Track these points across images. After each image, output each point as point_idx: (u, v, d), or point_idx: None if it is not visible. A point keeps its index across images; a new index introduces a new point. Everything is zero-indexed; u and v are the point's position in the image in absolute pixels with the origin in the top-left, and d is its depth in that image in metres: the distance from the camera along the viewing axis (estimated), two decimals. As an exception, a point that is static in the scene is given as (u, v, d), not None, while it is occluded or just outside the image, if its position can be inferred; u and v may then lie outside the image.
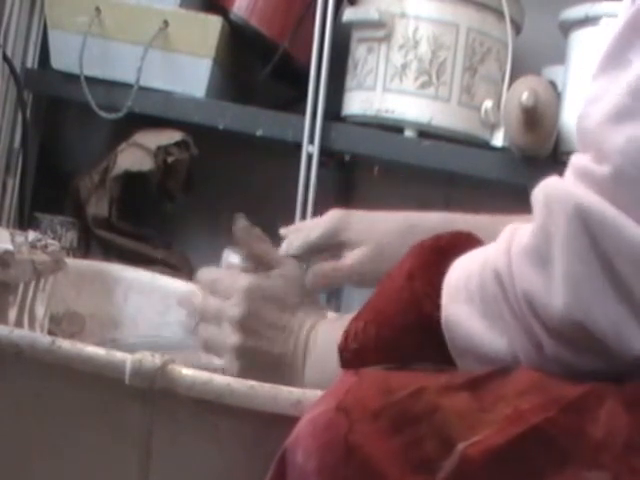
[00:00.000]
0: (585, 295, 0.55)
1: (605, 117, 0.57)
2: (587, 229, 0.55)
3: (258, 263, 0.86)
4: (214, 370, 0.82)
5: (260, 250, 0.87)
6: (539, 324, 0.57)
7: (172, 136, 1.68)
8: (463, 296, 0.62)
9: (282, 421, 0.64)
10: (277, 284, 0.83)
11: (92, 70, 1.66)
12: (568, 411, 0.54)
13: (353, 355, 0.67)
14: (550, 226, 0.56)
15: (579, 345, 0.56)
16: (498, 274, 0.59)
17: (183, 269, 1.71)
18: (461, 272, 0.63)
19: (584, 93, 0.61)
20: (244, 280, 0.83)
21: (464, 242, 0.67)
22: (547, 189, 0.58)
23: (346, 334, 0.68)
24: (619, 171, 0.55)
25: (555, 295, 0.56)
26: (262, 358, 0.81)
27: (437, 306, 0.63)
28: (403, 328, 0.64)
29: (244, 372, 0.81)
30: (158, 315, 1.13)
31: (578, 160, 0.58)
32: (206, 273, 0.88)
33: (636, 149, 0.54)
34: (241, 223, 0.87)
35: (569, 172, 0.59)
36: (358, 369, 0.62)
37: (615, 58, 0.58)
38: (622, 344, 0.55)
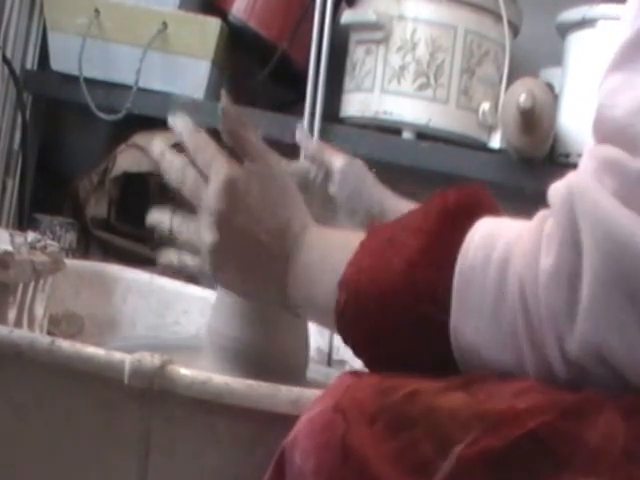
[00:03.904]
0: (608, 325, 0.53)
1: (638, 105, 0.53)
2: (617, 259, 0.52)
3: (241, 152, 0.77)
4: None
5: (246, 138, 0.77)
6: (556, 345, 0.55)
7: (171, 137, 1.68)
8: (477, 284, 0.59)
9: (280, 420, 0.64)
10: (264, 179, 0.75)
11: (91, 71, 1.67)
12: (566, 416, 0.53)
13: (351, 326, 0.65)
14: (580, 247, 0.54)
15: (593, 373, 0.55)
16: (522, 282, 0.57)
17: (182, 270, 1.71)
18: (480, 250, 0.59)
19: (599, 86, 0.58)
20: (226, 167, 0.75)
21: (475, 205, 0.63)
22: (574, 194, 0.55)
23: (345, 299, 0.65)
24: None
25: (578, 321, 0.54)
26: (241, 259, 0.74)
27: (439, 305, 0.61)
28: (401, 322, 0.62)
29: (219, 272, 0.75)
30: (157, 316, 1.14)
31: (607, 152, 0.54)
32: (192, 135, 0.81)
33: None
34: (225, 101, 0.77)
35: (594, 163, 0.55)
36: (357, 371, 0.63)
37: (638, 47, 0.55)
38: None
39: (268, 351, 0.86)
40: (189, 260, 0.78)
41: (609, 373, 0.55)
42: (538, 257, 0.56)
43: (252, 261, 0.74)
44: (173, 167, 0.80)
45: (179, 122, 0.82)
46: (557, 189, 0.57)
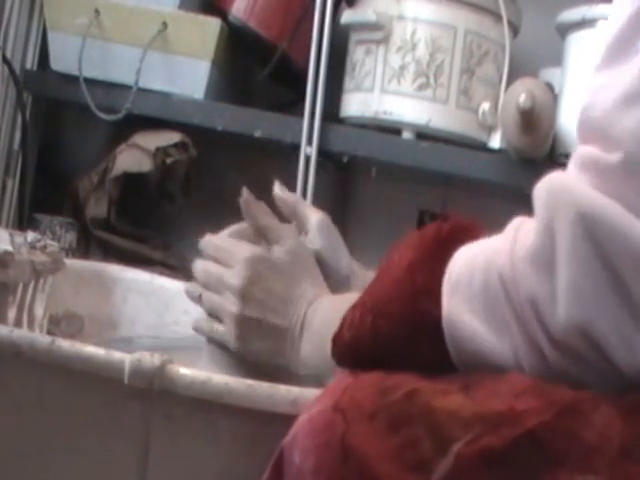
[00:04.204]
0: (589, 303, 0.54)
1: (613, 103, 0.55)
2: (591, 236, 0.53)
3: (263, 236, 0.87)
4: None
5: (265, 223, 0.87)
6: (543, 332, 0.56)
7: (171, 137, 1.68)
8: (464, 293, 0.61)
9: (280, 420, 0.64)
10: (280, 256, 0.83)
11: (91, 71, 1.67)
12: (563, 415, 0.54)
13: (347, 344, 0.67)
14: (554, 229, 0.55)
15: (583, 356, 0.56)
16: (502, 277, 0.58)
17: (182, 270, 1.72)
18: (464, 266, 0.62)
19: (585, 88, 0.59)
20: (247, 249, 0.84)
21: (466, 231, 0.66)
22: (550, 187, 0.57)
23: (342, 322, 0.68)
24: (630, 156, 0.53)
25: (559, 302, 0.55)
26: (260, 329, 0.81)
27: (436, 303, 0.62)
28: (399, 322, 0.64)
29: (242, 341, 0.82)
30: (156, 316, 1.14)
31: (583, 151, 0.56)
32: (209, 241, 0.88)
33: None
34: (246, 195, 0.87)
35: (572, 164, 0.57)
36: (354, 370, 0.63)
37: (621, 48, 0.56)
38: (628, 354, 0.54)
39: None
40: (217, 327, 0.85)
41: (596, 353, 0.55)
42: (514, 249, 0.58)
43: (270, 331, 0.81)
44: (198, 267, 0.87)
45: (203, 243, 0.89)
46: (538, 189, 0.58)
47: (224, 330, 0.83)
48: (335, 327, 0.69)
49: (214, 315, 0.85)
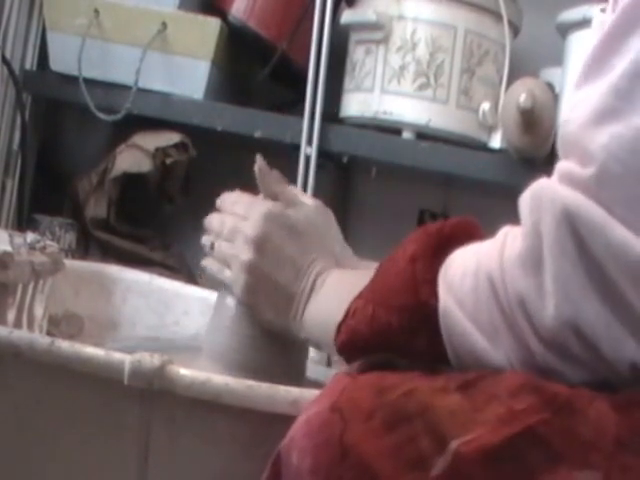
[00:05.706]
0: (576, 298, 0.55)
1: (587, 118, 0.57)
2: (575, 232, 0.55)
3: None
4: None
5: (281, 189, 0.87)
6: (531, 330, 0.57)
7: (170, 138, 1.68)
8: (455, 295, 0.62)
9: (279, 420, 0.64)
10: (296, 218, 0.84)
11: (91, 72, 1.67)
12: (560, 412, 0.54)
13: (349, 333, 0.67)
14: (540, 229, 0.56)
15: (571, 353, 0.56)
16: (491, 278, 0.59)
17: (181, 270, 1.72)
18: (457, 268, 0.63)
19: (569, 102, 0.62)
20: (265, 205, 0.84)
21: (467, 231, 0.67)
22: (535, 191, 0.58)
23: (347, 312, 0.68)
24: (603, 170, 0.55)
25: (547, 298, 0.56)
26: (267, 284, 0.82)
27: (436, 294, 0.63)
28: (399, 310, 0.65)
29: (248, 290, 0.83)
30: (156, 316, 1.14)
31: (562, 165, 0.58)
32: (226, 196, 0.90)
33: (620, 145, 0.54)
34: (260, 162, 0.88)
35: (553, 177, 0.59)
36: (355, 360, 0.63)
37: (597, 65, 0.58)
38: (614, 348, 0.55)
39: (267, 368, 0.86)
40: (226, 271, 0.86)
41: (585, 348, 0.56)
42: (503, 253, 0.59)
43: (277, 290, 0.81)
44: (213, 219, 0.88)
45: (220, 199, 0.91)
46: (523, 197, 0.59)
47: (232, 276, 0.84)
48: (340, 299, 0.69)
49: (220, 258, 0.86)
